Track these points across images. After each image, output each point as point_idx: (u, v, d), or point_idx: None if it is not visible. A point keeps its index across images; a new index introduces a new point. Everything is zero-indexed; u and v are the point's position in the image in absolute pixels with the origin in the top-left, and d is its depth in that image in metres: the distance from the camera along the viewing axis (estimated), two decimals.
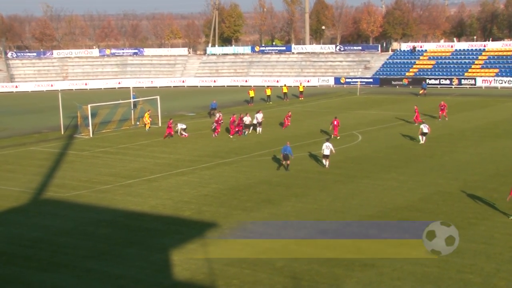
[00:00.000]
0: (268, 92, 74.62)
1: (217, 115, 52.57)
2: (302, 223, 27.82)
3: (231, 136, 49.91)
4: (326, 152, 37.72)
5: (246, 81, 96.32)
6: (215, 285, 21.55)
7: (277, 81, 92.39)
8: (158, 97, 60.06)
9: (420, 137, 44.39)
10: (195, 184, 35.63)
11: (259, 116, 51.69)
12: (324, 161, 38.30)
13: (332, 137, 46.12)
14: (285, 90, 76.62)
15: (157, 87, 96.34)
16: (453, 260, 22.65)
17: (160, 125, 57.41)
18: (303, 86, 79.19)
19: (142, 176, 37.75)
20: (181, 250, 24.90)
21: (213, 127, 50.85)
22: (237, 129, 50.26)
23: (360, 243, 24.91)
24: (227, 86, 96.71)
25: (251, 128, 51.18)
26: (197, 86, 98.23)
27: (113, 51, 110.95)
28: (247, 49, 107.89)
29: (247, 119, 51.03)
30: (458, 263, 22.37)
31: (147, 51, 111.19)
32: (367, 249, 24.16)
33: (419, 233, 25.57)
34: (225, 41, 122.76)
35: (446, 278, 21.21)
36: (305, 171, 38.01)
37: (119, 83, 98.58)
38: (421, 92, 73.94)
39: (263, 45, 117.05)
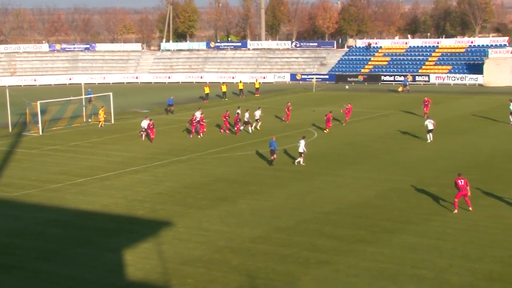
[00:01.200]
0: (224, 88, 74.60)
1: (197, 114, 50.61)
2: (257, 220, 27.87)
3: (226, 132, 49.61)
4: (300, 149, 37.72)
5: (201, 77, 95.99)
6: (169, 284, 21.42)
7: (233, 78, 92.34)
8: (111, 93, 59.38)
9: (427, 135, 43.63)
10: (149, 182, 35.36)
11: (258, 113, 51.03)
12: (299, 158, 38.14)
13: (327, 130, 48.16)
14: (241, 86, 76.67)
15: (109, 83, 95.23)
16: (408, 256, 23.02)
17: (113, 122, 56.79)
18: (259, 83, 79.49)
19: (94, 175, 37.28)
20: (134, 249, 24.67)
21: (190, 125, 49.24)
22: (236, 127, 49.09)
23: (316, 240, 25.09)
24: (181, 82, 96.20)
25: (246, 124, 49.88)
26: (151, 83, 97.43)
27: (63, 46, 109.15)
28: (202, 45, 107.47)
29: (246, 115, 50.06)
30: (413, 259, 22.74)
31: (99, 46, 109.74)
32: (323, 246, 24.35)
33: (374, 229, 26.01)
34: (180, 36, 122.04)
35: (401, 274, 21.54)
36: (261, 168, 38.09)
37: (70, 79, 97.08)
38: (400, 89, 74.04)
39: (218, 41, 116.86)
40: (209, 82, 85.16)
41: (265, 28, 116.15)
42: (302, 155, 37.89)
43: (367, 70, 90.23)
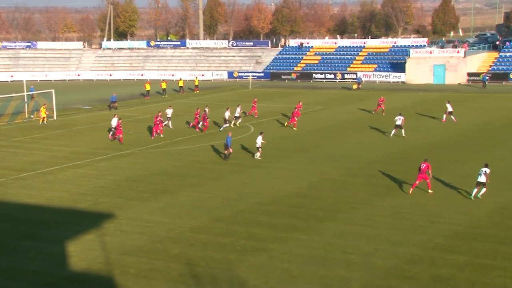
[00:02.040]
0: (164, 85, 74.09)
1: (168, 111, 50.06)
2: (197, 211, 27.84)
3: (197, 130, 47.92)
4: (258, 144, 37.57)
5: (142, 75, 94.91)
6: (111, 274, 21.18)
7: (172, 75, 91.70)
8: (52, 90, 58.01)
9: (393, 130, 43.24)
10: (91, 176, 34.78)
11: (238, 110, 50.09)
12: (258, 153, 37.88)
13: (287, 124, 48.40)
14: (181, 84, 76.26)
15: (51, 80, 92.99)
16: (337, 242, 23.45)
17: (55, 118, 55.52)
18: (198, 80, 79.31)
19: (37, 169, 36.39)
20: (77, 241, 24.26)
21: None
22: (205, 124, 47.39)
23: (252, 229, 25.26)
24: (123, 79, 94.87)
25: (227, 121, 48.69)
26: (93, 80, 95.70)
27: (4, 44, 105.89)
28: (142, 44, 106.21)
29: (226, 114, 48.81)
30: (342, 245, 23.18)
31: (41, 44, 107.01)
32: (259, 235, 24.54)
33: (306, 217, 26.38)
34: (121, 35, 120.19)
35: (331, 259, 21.93)
36: (200, 161, 38.02)
37: (12, 76, 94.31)
38: (355, 86, 74.47)
39: (158, 40, 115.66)
40: (149, 80, 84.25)
41: (203, 28, 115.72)
42: (260, 149, 37.74)
43: (299, 68, 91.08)
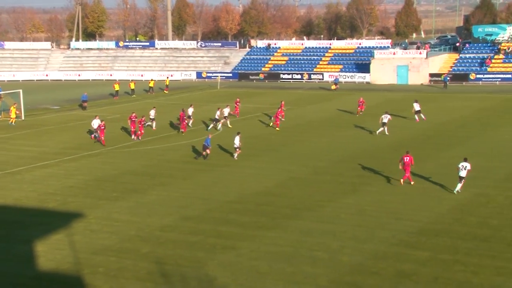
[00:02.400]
0: (132, 86, 73.50)
1: (190, 110, 49.44)
2: (167, 210, 27.66)
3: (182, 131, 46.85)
4: (236, 144, 37.24)
5: (110, 75, 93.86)
6: (80, 273, 20.90)
7: (142, 75, 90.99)
8: (20, 90, 57.03)
9: (380, 128, 43.78)
10: (60, 176, 34.29)
11: (226, 110, 49.47)
12: (236, 153, 37.55)
13: (272, 125, 48.12)
14: (151, 84, 75.71)
15: (19, 80, 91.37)
16: (304, 240, 23.53)
17: (23, 118, 54.60)
18: (169, 80, 78.99)
19: (4, 169, 35.74)
20: (46, 241, 23.89)
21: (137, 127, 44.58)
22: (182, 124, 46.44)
23: (221, 227, 25.19)
24: (92, 80, 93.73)
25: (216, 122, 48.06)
26: (61, 80, 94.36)
27: None
28: (111, 44, 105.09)
29: (226, 110, 48.89)
30: (309, 242, 23.26)
31: (8, 44, 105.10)
32: (227, 233, 24.49)
33: (274, 215, 26.40)
34: (89, 36, 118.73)
35: (298, 256, 21.99)
36: (170, 161, 37.79)
37: None
38: (333, 87, 74.16)
39: (127, 40, 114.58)
40: (118, 80, 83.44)
41: (172, 28, 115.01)
42: (238, 149, 37.39)
43: (267, 69, 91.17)
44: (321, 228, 24.81)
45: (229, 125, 48.58)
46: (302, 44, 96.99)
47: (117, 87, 70.99)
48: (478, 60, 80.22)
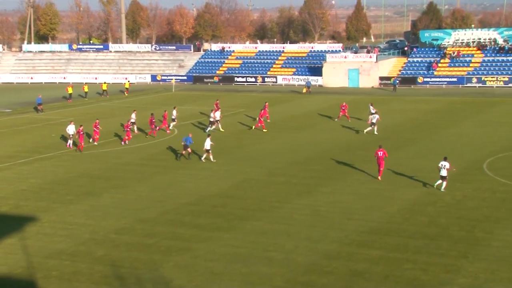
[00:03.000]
0: (86, 88, 72.41)
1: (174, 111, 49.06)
2: (122, 213, 27.29)
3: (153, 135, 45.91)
4: (207, 146, 36.81)
5: (64, 78, 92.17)
6: (33, 278, 20.41)
7: (96, 78, 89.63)
8: None
9: (370, 127, 45.05)
10: (12, 179, 33.44)
11: (218, 114, 48.84)
12: (205, 154, 37.16)
13: (254, 128, 47.58)
14: (104, 87, 74.61)
15: None
16: (259, 240, 23.54)
17: None
18: (129, 83, 78.97)
19: None
20: None
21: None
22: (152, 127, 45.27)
23: (177, 229, 25.01)
24: (44, 83, 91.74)
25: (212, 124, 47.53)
26: (13, 83, 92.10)
27: None
28: (64, 47, 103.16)
29: (218, 114, 48.13)
30: (264, 243, 23.29)
31: None
32: (183, 235, 24.32)
33: (230, 217, 26.34)
34: (42, 38, 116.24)
35: (253, 257, 21.99)
36: (125, 163, 37.31)
37: None
38: (304, 90, 73.37)
39: (80, 43, 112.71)
40: (72, 83, 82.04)
41: (126, 32, 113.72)
42: (210, 151, 36.94)
43: (221, 72, 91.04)
44: (275, 228, 24.88)
45: (221, 129, 47.52)
46: (255, 48, 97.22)
47: (70, 90, 69.79)
48: (425, 64, 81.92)
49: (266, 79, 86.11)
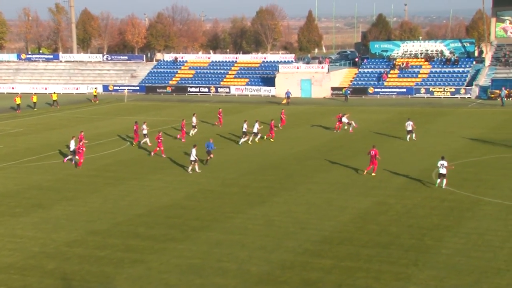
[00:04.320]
0: (35, 99, 70.97)
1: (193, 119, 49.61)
2: (73, 225, 26.79)
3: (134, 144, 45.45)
4: (192, 157, 36.29)
5: (12, 88, 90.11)
6: None
7: (46, 88, 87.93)
8: None
9: (407, 135, 46.19)
10: None
11: (194, 120, 49.51)
12: (190, 166, 36.71)
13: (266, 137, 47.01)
14: (54, 97, 73.25)
15: None
16: (213, 251, 23.46)
17: None
18: (96, 91, 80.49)
19: None
20: None
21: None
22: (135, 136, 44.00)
23: (130, 241, 24.69)
24: None
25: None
26: None
27: None
28: (12, 57, 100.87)
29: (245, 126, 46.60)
30: (218, 253, 23.22)
31: None
32: (136, 246, 24.03)
33: (184, 228, 26.17)
34: None
35: (207, 268, 21.90)
36: (76, 175, 36.67)
37: None
38: (284, 101, 72.57)
39: (29, 53, 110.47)
40: (21, 93, 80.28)
41: (77, 41, 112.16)
42: (194, 162, 36.42)
43: (174, 82, 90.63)
44: (230, 239, 24.84)
45: (257, 141, 46.50)
46: (208, 58, 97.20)
47: (18, 101, 68.28)
48: (376, 75, 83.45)
49: (219, 89, 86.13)
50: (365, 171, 35.32)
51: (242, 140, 45.93)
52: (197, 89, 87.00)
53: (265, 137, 47.56)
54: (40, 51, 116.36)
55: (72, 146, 39.70)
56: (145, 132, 45.62)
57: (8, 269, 21.80)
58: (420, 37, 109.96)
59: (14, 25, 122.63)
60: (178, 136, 47.65)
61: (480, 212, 27.93)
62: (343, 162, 39.10)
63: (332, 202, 30.07)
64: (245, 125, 45.97)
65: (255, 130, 46.21)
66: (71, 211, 28.95)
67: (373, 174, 34.94)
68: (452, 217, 27.30)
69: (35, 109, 69.65)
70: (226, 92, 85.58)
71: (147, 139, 45.38)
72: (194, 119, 50.72)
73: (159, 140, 41.32)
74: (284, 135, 49.75)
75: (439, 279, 20.57)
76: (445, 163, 31.78)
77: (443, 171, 31.79)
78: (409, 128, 46.50)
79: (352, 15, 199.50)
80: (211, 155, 38.41)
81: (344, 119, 50.77)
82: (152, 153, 41.61)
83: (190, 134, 49.42)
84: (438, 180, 32.18)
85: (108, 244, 24.28)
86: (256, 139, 46.53)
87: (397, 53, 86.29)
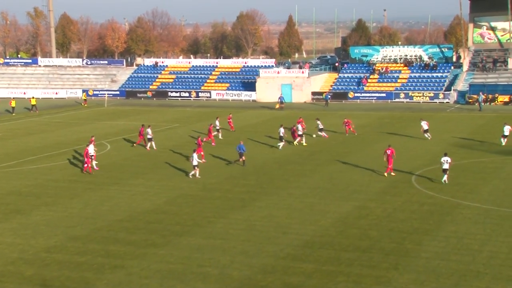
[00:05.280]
0: (13, 103, 70.34)
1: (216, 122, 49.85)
2: (52, 231, 26.54)
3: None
4: (194, 162, 35.94)
5: None
6: None
7: (24, 93, 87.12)
8: None
9: (425, 134, 48.12)
10: None
11: (217, 123, 50.17)
12: (192, 171, 36.36)
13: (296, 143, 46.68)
14: (33, 102, 72.62)
15: None
16: (195, 256, 23.39)
17: None
18: (85, 95, 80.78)
19: None
20: None
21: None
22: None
23: (110, 246, 24.52)
24: None
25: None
26: None
27: None
28: None
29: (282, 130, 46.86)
30: (199, 258, 23.16)
31: None
32: (117, 252, 23.87)
33: (165, 233, 26.06)
34: None
35: (189, 273, 21.82)
36: (56, 180, 36.36)
37: None
38: (277, 106, 72.15)
39: (7, 57, 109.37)
40: None
41: (56, 46, 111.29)
42: (196, 167, 36.18)
43: (155, 87, 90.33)
44: (211, 244, 24.78)
45: (220, 137, 48.67)
46: (189, 63, 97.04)
47: None
48: (356, 80, 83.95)
49: (200, 94, 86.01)
50: (386, 172, 35.91)
51: (281, 144, 45.87)
52: (177, 94, 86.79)
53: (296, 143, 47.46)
54: (19, 56, 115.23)
55: (92, 151, 38.71)
56: (149, 136, 45.95)
57: None
58: (399, 42, 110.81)
59: None
60: (205, 139, 47.42)
61: (459, 215, 28.20)
62: (323, 167, 39.24)
63: (313, 206, 30.14)
64: (281, 130, 46.13)
65: (299, 132, 47.12)
66: (50, 217, 28.69)
67: (385, 174, 35.83)
68: (432, 220, 27.52)
69: (13, 114, 68.99)
70: (207, 97, 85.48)
71: (152, 143, 45.79)
72: (217, 123, 50.71)
73: (211, 136, 45.94)
74: (266, 140, 49.78)
75: (419, 283, 20.72)
76: (448, 159, 33.63)
77: (446, 166, 33.56)
78: (426, 127, 48.57)
79: (332, 20, 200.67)
80: (243, 157, 39.13)
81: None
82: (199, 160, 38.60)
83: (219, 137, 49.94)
84: (445, 176, 33.69)
85: (88, 250, 24.09)
86: (297, 142, 46.77)
87: (377, 58, 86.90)
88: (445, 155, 34.16)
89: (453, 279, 20.93)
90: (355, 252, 23.62)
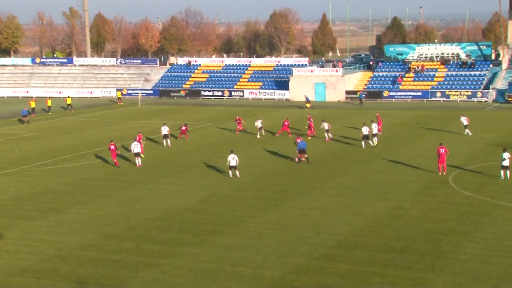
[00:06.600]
0: (49, 103, 71.63)
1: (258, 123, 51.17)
2: (87, 229, 26.95)
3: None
4: (232, 163, 36.02)
5: (27, 92, 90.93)
6: None
7: (60, 92, 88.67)
8: None
9: (465, 130, 48.78)
10: None
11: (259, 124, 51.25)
12: (230, 172, 36.36)
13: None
14: (69, 101, 73.86)
15: None
16: (228, 256, 23.49)
17: None
18: (120, 93, 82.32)
19: None
20: None
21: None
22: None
23: (144, 245, 24.79)
24: (7, 97, 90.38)
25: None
26: None
27: None
28: (27, 61, 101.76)
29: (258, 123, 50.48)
30: (232, 258, 23.24)
31: None
32: (150, 250, 24.12)
33: (198, 232, 26.25)
34: (3, 52, 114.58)
35: (222, 272, 21.93)
36: (91, 179, 36.90)
37: None
38: (308, 105, 71.65)
39: (44, 57, 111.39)
40: (35, 97, 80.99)
41: (91, 45, 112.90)
42: (235, 169, 36.19)
43: (188, 86, 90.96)
44: (244, 243, 24.85)
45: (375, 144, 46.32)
46: (222, 62, 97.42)
47: (33, 104, 68.92)
48: (391, 78, 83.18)
49: (233, 93, 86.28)
50: (439, 172, 35.54)
51: (370, 142, 45.56)
52: (210, 93, 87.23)
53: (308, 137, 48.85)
54: (54, 55, 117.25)
55: (138, 149, 40.09)
56: (166, 133, 47.16)
57: (24, 272, 21.97)
58: (436, 40, 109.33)
59: (28, 29, 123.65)
60: (278, 132, 50.53)
61: (498, 217, 27.72)
62: (357, 166, 38.99)
63: (347, 206, 29.99)
64: (365, 128, 45.07)
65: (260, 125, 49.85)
66: (85, 215, 29.13)
67: (439, 173, 35.48)
68: (469, 222, 27.12)
69: (49, 113, 70.21)
70: (240, 96, 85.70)
71: (168, 140, 47.10)
72: (259, 123, 51.26)
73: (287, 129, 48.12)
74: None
75: (456, 285, 20.45)
76: (509, 154, 33.32)
77: (506, 163, 33.30)
78: (466, 123, 48.79)
79: (367, 18, 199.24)
80: (306, 154, 39.72)
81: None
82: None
83: (258, 136, 50.71)
84: (502, 172, 33.64)
85: (123, 248, 24.39)
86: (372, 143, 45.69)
87: (412, 56, 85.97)
88: (504, 150, 33.79)
89: (492, 282, 20.59)
90: (390, 253, 23.42)
